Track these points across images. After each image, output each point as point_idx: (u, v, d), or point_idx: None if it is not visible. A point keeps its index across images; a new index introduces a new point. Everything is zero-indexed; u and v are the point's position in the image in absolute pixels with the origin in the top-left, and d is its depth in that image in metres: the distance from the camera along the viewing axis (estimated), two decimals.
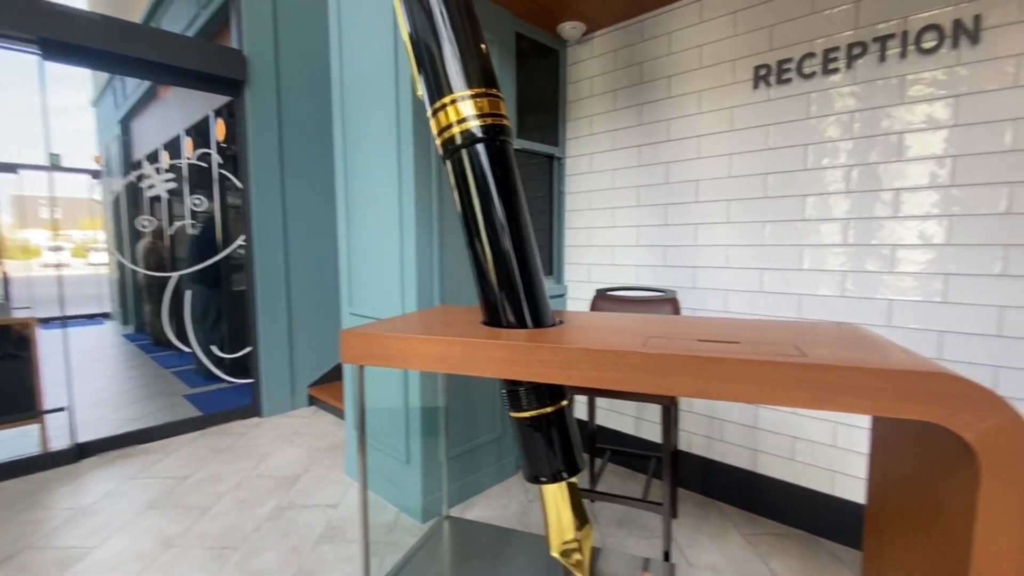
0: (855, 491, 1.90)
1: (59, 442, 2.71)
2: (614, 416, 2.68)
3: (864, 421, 1.85)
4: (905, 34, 1.69)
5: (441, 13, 1.30)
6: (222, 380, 3.45)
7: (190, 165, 3.36)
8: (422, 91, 1.38)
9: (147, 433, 3.02)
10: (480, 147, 1.28)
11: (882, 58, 1.75)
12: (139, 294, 4.79)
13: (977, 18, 1.56)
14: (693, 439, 2.36)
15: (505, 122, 1.31)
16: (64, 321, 2.77)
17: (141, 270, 3.37)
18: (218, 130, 3.36)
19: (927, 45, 1.65)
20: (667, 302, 2.00)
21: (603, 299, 2.13)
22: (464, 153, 1.29)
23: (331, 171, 3.47)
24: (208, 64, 3.05)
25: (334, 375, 3.78)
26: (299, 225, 3.55)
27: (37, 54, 2.57)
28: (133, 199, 3.64)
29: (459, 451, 2.25)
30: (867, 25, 1.77)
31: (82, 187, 3.75)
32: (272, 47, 3.33)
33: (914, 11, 1.67)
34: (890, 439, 1.22)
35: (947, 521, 0.89)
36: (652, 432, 2.53)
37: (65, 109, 3.66)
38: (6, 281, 3.32)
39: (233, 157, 3.36)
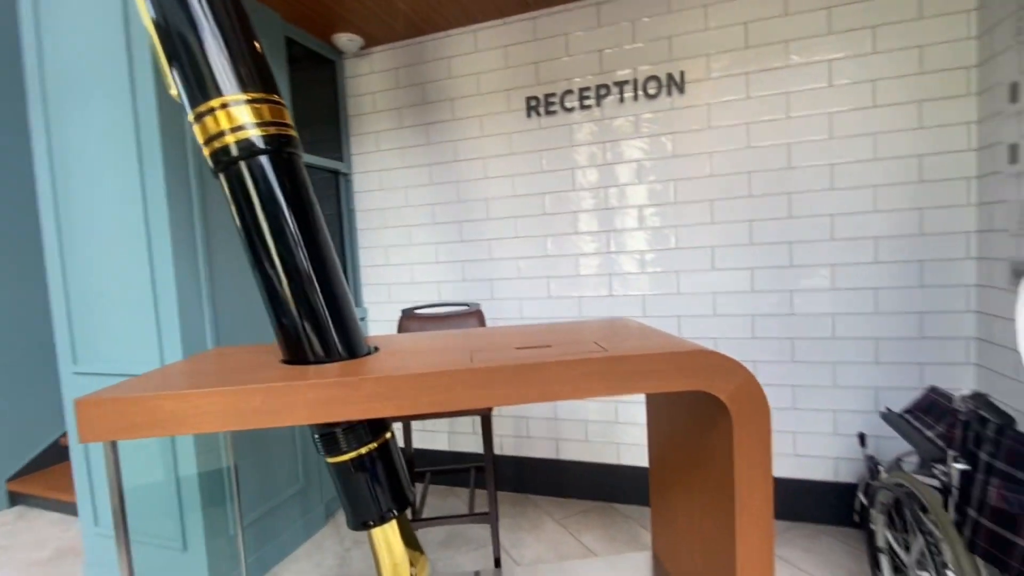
0: (637, 457, 2.26)
1: None
2: (427, 436, 2.64)
3: (638, 396, 2.22)
4: (636, 81, 2.11)
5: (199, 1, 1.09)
6: None
7: None
8: (177, 90, 1.13)
9: None
10: (264, 159, 1.11)
11: (621, 99, 2.14)
12: None
13: (682, 73, 2.04)
14: (504, 441, 2.48)
15: (292, 132, 1.17)
16: None
17: None
18: None
19: (651, 91, 2.09)
20: (473, 315, 2.06)
21: (410, 319, 2.08)
22: (243, 166, 1.11)
23: (30, 185, 2.62)
24: None
25: (50, 458, 2.82)
26: None
27: None
28: None
29: (255, 516, 1.90)
30: (608, 71, 2.15)
31: None
32: None
33: (640, 63, 2.10)
34: (662, 408, 1.48)
35: (714, 466, 1.11)
36: (466, 443, 2.57)
37: None
38: None
39: None
